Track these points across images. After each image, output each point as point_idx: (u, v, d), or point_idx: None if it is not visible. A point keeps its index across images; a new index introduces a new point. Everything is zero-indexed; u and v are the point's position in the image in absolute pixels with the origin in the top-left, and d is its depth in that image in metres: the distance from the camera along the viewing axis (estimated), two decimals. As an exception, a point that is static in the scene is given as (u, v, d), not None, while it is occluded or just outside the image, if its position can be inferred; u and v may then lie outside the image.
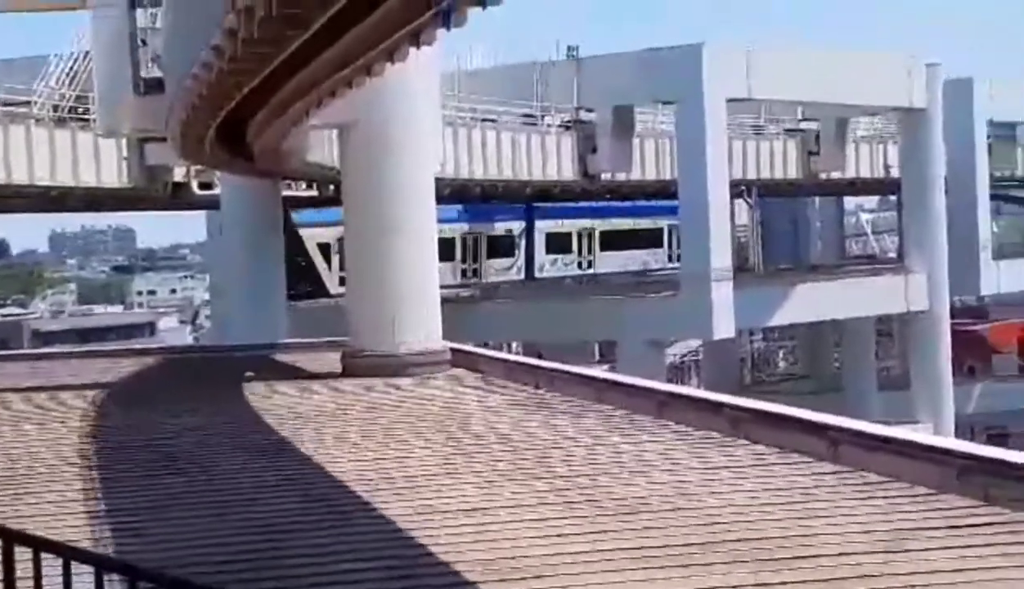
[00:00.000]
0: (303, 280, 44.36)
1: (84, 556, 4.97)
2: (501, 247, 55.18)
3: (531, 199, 49.36)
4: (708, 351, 57.56)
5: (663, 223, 59.86)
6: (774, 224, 60.61)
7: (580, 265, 57.71)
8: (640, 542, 9.17)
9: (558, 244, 56.77)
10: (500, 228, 54.79)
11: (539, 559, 8.77)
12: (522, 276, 54.31)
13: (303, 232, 45.10)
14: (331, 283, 43.07)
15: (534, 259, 55.00)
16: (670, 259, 60.01)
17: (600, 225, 58.11)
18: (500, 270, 54.59)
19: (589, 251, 57.96)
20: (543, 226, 54.41)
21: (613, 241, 58.93)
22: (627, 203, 55.55)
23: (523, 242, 54.68)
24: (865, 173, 54.41)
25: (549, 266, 55.48)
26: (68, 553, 4.82)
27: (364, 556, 9.05)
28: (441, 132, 30.30)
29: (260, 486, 11.77)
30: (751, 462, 11.99)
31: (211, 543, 9.52)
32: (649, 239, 61.00)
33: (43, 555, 4.86)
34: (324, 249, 46.90)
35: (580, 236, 57.65)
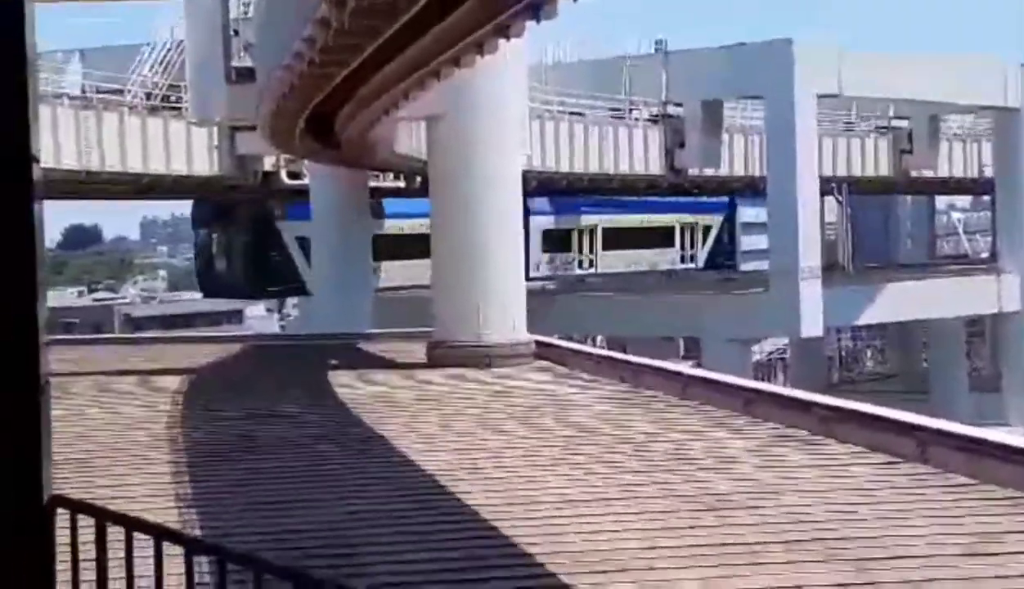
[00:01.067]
0: (278, 275, 42.81)
1: (175, 537, 5.03)
2: None
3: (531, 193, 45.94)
4: (795, 349, 57.04)
5: (673, 220, 56.46)
6: (864, 222, 59.95)
7: (581, 264, 53.01)
8: (729, 538, 9.12)
9: (555, 242, 51.75)
10: None
11: (628, 552, 8.76)
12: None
13: (281, 225, 41.93)
14: (310, 278, 38.48)
15: (529, 258, 49.93)
16: (682, 260, 56.97)
17: (603, 221, 53.31)
18: None
19: (590, 249, 53.11)
20: (539, 223, 49.03)
21: (617, 239, 53.79)
22: (634, 198, 52.03)
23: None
24: (958, 172, 53.68)
25: (545, 265, 50.70)
26: (160, 534, 4.89)
27: (449, 547, 9.08)
28: (528, 125, 30.33)
29: (351, 475, 11.84)
30: (838, 461, 11.87)
31: (298, 531, 9.59)
32: (658, 237, 56.02)
33: (135, 535, 4.94)
34: (303, 243, 42.48)
35: (580, 233, 52.79)
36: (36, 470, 4.90)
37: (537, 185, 38.70)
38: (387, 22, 12.85)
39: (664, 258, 55.93)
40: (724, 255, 58.75)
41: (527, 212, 48.42)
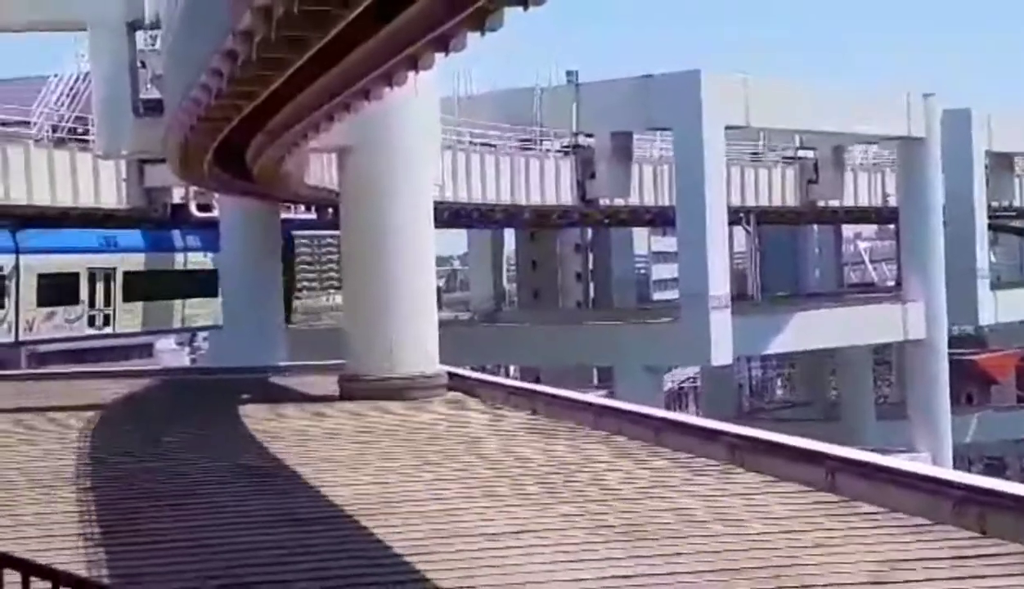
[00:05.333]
0: None
1: (43, 572, 4.85)
2: None
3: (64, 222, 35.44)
4: (706, 378, 57.50)
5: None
6: (773, 252, 60.63)
7: (93, 321, 38.00)
8: (642, 568, 9.13)
9: (57, 290, 36.54)
10: None
11: (541, 585, 8.73)
12: (11, 337, 35.86)
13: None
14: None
15: (18, 315, 35.92)
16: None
17: (125, 263, 38.39)
18: None
19: (107, 301, 38.18)
20: (33, 263, 34.96)
21: (144, 287, 39.38)
22: (168, 231, 38.88)
23: (13, 286, 35.31)
24: (863, 201, 54.47)
25: (42, 322, 36.47)
26: (25, 568, 4.73)
27: (362, 582, 8.99)
28: (440, 156, 30.34)
29: (250, 510, 11.71)
30: (749, 490, 11.94)
31: (198, 566, 9.45)
32: (198, 283, 40.46)
33: (31, 580, 4.81)
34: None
35: (93, 278, 37.36)
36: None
37: (449, 216, 38.69)
38: (296, 54, 12.81)
39: (208, 311, 40.66)
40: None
41: (17, 250, 34.45)
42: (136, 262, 38.54)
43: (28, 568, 4.70)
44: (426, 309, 21.50)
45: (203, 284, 39.49)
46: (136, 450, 15.60)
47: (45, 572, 4.69)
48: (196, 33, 15.58)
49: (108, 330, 38.88)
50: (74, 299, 37.28)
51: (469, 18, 11.14)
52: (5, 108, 33.45)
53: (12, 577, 4.86)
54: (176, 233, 39.16)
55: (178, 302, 40.79)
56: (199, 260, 39.93)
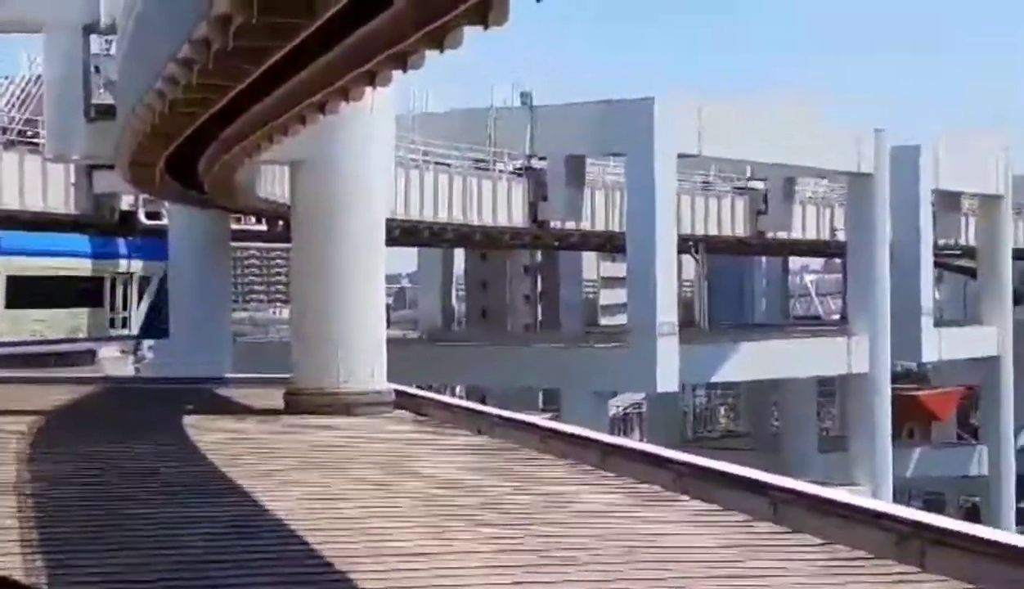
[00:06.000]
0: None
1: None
2: None
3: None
4: (651, 404, 57.65)
5: (103, 268, 39.07)
6: (720, 281, 60.97)
7: None
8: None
9: None
10: None
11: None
12: None
13: None
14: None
15: None
16: (112, 324, 40.59)
17: (12, 266, 36.12)
18: None
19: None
20: None
21: (30, 293, 36.91)
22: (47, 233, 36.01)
23: None
24: (811, 234, 54.91)
25: None
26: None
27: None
28: (394, 173, 30.29)
29: (188, 521, 11.59)
30: (693, 518, 11.94)
31: (133, 578, 9.35)
32: (79, 292, 38.73)
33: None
34: None
35: None
36: None
37: (400, 233, 38.63)
38: (253, 65, 12.74)
39: (93, 321, 39.29)
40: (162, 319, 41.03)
41: None
42: (25, 267, 36.61)
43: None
44: (374, 325, 21.41)
45: (90, 293, 38.48)
46: (75, 458, 15.43)
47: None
48: (152, 39, 15.47)
49: None
50: None
51: (428, 36, 11.11)
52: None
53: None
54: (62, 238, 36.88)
55: (61, 311, 38.73)
56: (86, 266, 38.33)
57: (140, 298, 41.23)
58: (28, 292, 36.84)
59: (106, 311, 40.25)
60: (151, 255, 39.64)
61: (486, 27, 10.43)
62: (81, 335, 38.67)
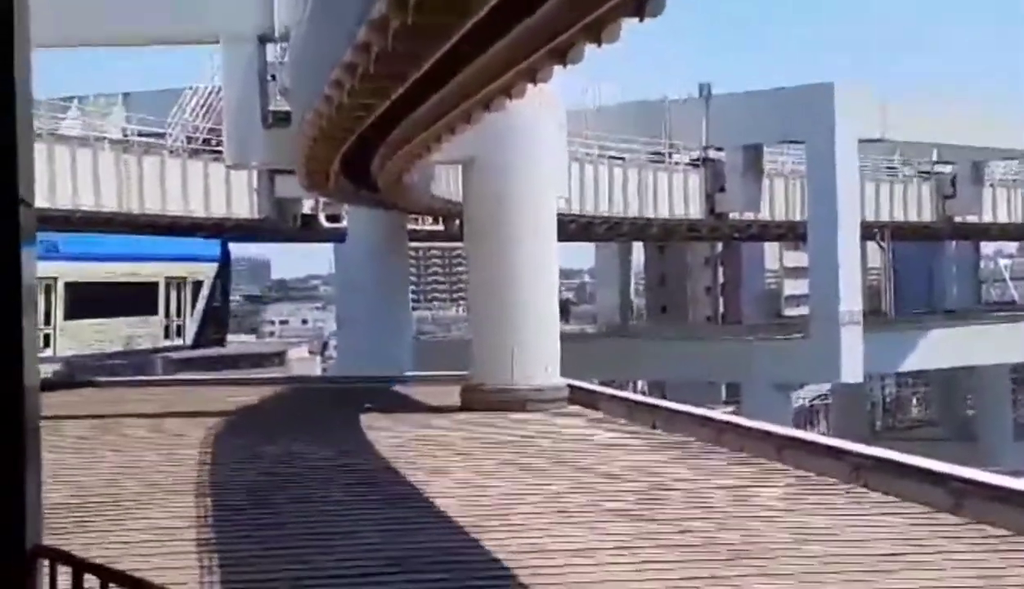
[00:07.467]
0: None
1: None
2: None
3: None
4: (837, 396, 56.59)
5: (158, 273, 37.72)
6: (908, 268, 59.53)
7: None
8: (756, 587, 8.93)
9: None
10: None
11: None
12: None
13: None
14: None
15: None
16: (167, 334, 39.64)
17: (69, 272, 34.31)
18: None
19: (48, 319, 34.47)
20: None
21: (91, 301, 35.60)
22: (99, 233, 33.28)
23: None
24: (1003, 218, 53.19)
25: None
26: (135, 585, 4.78)
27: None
28: (567, 168, 30.25)
29: (366, 519, 11.72)
30: (870, 510, 11.64)
31: (311, 576, 9.48)
32: (136, 300, 37.66)
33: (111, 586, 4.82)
34: None
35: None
36: (18, 519, 4.81)
37: (575, 229, 38.64)
38: (412, 68, 12.84)
39: (146, 330, 37.98)
40: (217, 323, 41.18)
41: None
42: (84, 273, 35.22)
43: (107, 575, 4.72)
44: (548, 321, 21.42)
45: (144, 300, 36.79)
46: (260, 456, 15.78)
47: (124, 579, 4.70)
48: (321, 46, 15.72)
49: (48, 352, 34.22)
50: None
51: (586, 29, 11.04)
52: (142, 119, 34.20)
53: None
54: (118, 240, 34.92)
55: (117, 320, 37.43)
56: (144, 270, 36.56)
57: (193, 304, 40.26)
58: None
59: (160, 320, 39.20)
60: (201, 257, 39.52)
61: (642, 19, 10.31)
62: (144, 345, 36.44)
